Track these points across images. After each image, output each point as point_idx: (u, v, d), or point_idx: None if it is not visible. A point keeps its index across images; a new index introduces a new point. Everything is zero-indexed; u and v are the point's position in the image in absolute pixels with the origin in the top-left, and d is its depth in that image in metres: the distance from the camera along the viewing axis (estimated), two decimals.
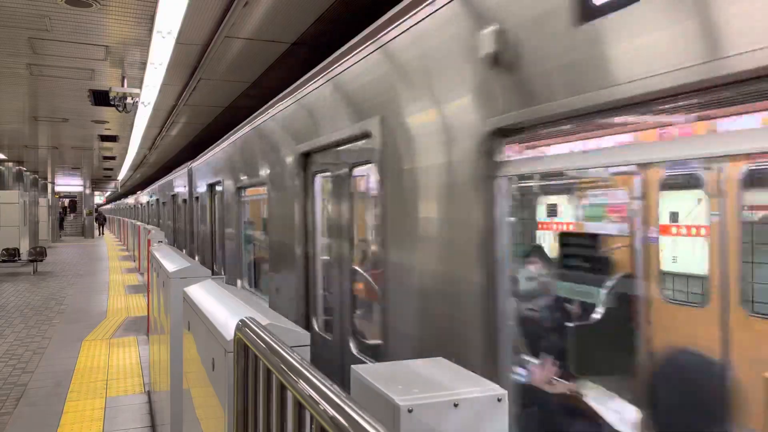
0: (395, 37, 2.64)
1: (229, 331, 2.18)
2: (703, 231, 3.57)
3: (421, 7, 2.42)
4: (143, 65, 7.34)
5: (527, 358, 3.08)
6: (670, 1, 1.38)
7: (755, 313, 3.06)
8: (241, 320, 1.96)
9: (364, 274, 3.62)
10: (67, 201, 43.21)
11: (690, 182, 3.43)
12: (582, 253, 3.53)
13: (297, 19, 5.28)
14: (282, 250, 4.55)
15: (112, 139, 15.40)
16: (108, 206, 61.79)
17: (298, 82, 4.15)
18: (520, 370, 2.89)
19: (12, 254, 17.60)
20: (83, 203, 39.88)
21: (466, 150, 2.11)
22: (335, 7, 4.89)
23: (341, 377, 3.16)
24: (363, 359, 3.23)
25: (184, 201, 10.66)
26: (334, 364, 3.56)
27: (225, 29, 5.60)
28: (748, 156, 2.76)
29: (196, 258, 9.06)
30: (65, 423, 5.33)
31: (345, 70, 3.22)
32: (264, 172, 5.04)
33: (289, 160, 4.26)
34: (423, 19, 2.41)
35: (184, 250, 10.22)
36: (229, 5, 5.11)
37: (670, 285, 3.62)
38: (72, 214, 41.53)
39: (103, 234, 42.21)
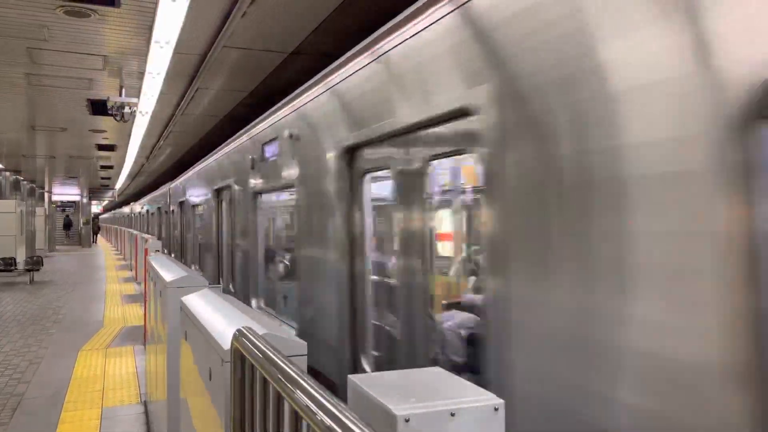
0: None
1: (226, 340, 2.17)
2: None
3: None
4: (141, 75, 7.36)
5: None
6: None
7: None
8: (238, 330, 1.96)
9: None
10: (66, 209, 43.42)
11: None
12: None
13: (295, 28, 5.31)
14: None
15: (110, 148, 15.41)
16: (106, 215, 61.75)
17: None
18: None
19: (9, 263, 17.52)
20: (81, 212, 39.89)
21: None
22: (333, 16, 4.92)
23: None
24: None
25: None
26: None
27: (223, 39, 5.62)
28: None
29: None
30: None
31: None
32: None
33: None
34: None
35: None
36: (227, 15, 5.13)
37: None
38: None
39: (96, 242, 42.74)
